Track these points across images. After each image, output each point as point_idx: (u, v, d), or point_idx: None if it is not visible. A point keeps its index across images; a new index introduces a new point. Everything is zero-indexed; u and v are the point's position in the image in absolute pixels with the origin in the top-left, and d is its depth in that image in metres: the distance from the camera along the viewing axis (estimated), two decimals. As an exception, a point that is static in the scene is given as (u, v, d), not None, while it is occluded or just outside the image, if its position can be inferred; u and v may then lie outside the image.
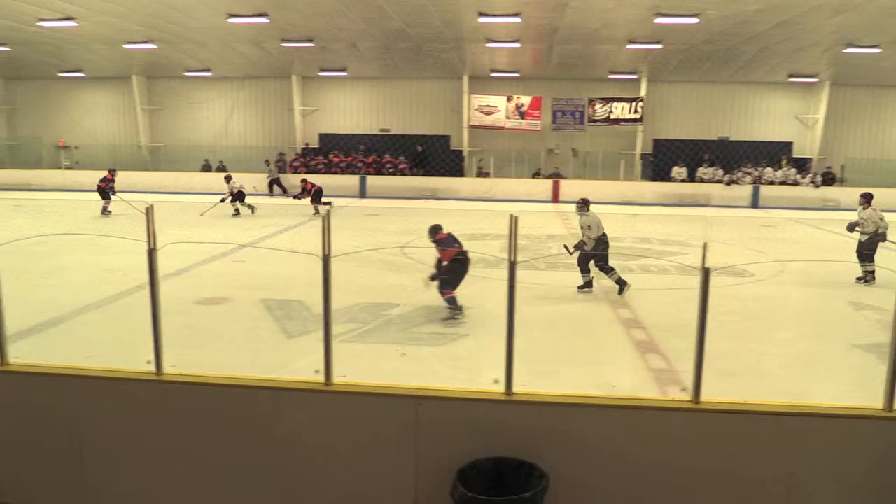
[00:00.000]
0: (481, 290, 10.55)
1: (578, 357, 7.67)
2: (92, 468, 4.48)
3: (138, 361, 4.53)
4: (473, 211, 21.34)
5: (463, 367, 7.26)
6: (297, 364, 6.80)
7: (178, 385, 4.30)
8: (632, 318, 9.26)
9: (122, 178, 20.19)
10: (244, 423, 4.29)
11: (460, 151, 28.06)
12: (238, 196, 19.79)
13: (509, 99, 27.39)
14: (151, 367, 4.36)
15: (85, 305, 9.54)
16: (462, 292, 10.41)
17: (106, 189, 19.46)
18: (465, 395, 4.18)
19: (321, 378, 4.21)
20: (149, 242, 4.20)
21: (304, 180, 21.31)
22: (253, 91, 29.68)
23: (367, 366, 6.82)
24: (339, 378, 4.24)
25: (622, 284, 10.32)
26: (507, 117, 27.50)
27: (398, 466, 4.18)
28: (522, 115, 27.36)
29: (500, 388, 4.13)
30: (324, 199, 19.97)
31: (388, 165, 27.83)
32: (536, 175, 27.53)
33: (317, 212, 19.92)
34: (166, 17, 20.43)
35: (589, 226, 10.50)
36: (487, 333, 8.36)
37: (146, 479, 4.45)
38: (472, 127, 27.73)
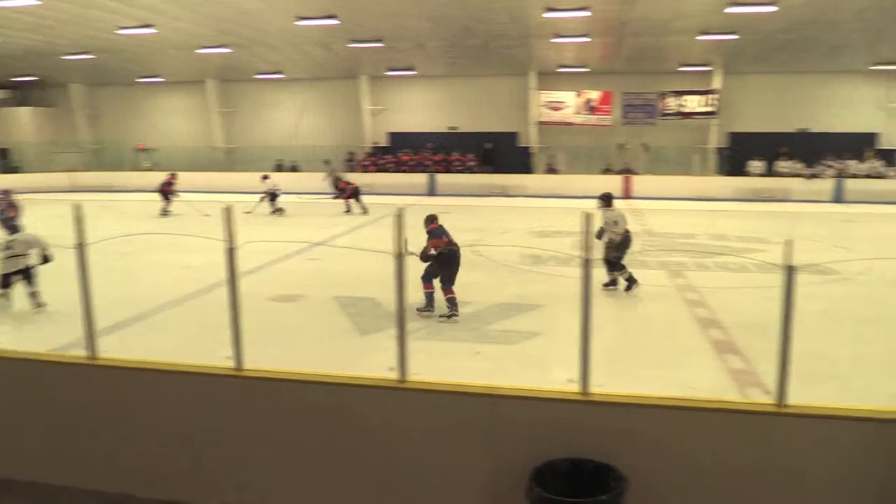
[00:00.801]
0: (553, 287, 10.48)
1: (654, 357, 7.49)
2: (178, 454, 4.63)
3: (217, 357, 4.66)
4: (543, 208, 21.23)
5: (535, 365, 7.19)
6: (370, 361, 6.86)
7: (257, 381, 4.40)
8: (709, 317, 9.00)
9: (200, 179, 20.87)
10: (320, 419, 4.35)
11: (528, 148, 27.87)
12: (271, 196, 20.15)
13: (578, 94, 27.05)
14: (231, 363, 4.47)
15: (166, 302, 9.88)
16: (533, 290, 10.39)
17: (167, 192, 20.32)
18: (541, 394, 4.13)
19: (396, 375, 4.23)
20: (228, 241, 4.30)
21: (338, 178, 21.60)
22: (322, 92, 30.18)
23: (439, 364, 6.83)
24: (413, 376, 4.25)
25: (632, 282, 10.09)
26: (576, 113, 27.17)
27: (473, 465, 4.16)
28: (592, 110, 26.99)
29: (576, 387, 4.06)
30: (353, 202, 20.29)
31: (457, 163, 27.89)
32: (607, 171, 27.04)
33: (348, 210, 20.36)
34: (238, 22, 20.95)
35: (616, 221, 10.24)
36: (559, 332, 8.28)
37: (225, 471, 4.58)
38: (540, 123, 27.50)
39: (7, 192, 14.85)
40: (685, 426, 3.92)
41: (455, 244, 9.09)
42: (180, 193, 20.45)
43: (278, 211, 20.02)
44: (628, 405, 3.97)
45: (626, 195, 25.18)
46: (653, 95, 26.32)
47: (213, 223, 4.35)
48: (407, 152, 28.42)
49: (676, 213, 20.51)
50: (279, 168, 29.12)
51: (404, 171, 27.90)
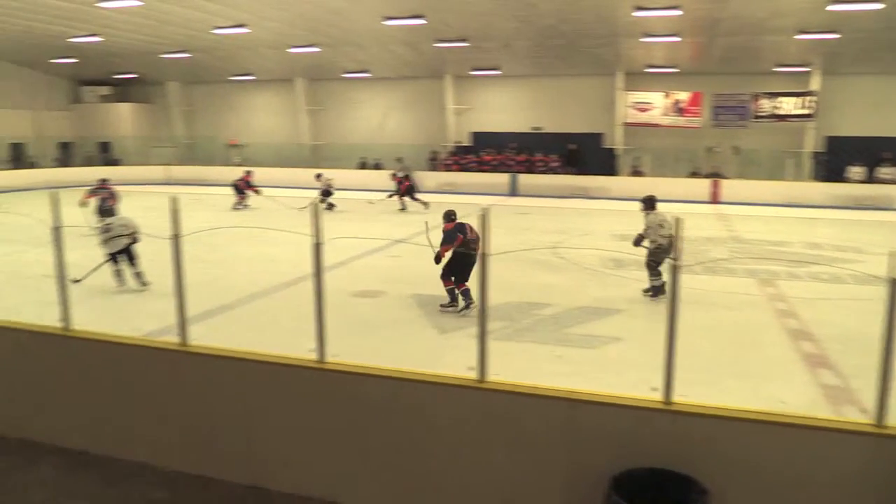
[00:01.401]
0: (635, 292, 10.27)
1: (740, 368, 7.24)
2: (258, 445, 4.79)
3: (300, 349, 4.78)
4: (626, 211, 20.81)
5: (615, 371, 7.07)
6: (447, 359, 6.90)
7: (339, 374, 4.49)
8: (799, 328, 8.64)
9: (286, 174, 21.44)
10: (398, 415, 4.40)
11: (613, 150, 27.39)
12: (324, 193, 20.38)
13: (666, 95, 26.39)
14: (314, 356, 4.57)
15: (251, 294, 10.20)
16: (615, 294, 10.22)
17: (241, 187, 21.00)
18: (622, 401, 4.04)
19: (475, 375, 4.23)
20: (315, 236, 4.40)
21: (394, 174, 21.76)
22: (407, 91, 30.50)
23: (517, 365, 6.80)
24: (492, 376, 4.24)
25: (660, 291, 9.79)
26: (664, 114, 26.51)
27: (550, 469, 4.13)
28: (680, 111, 26.29)
29: (659, 396, 3.97)
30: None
31: (540, 164, 27.69)
32: (694, 174, 26.29)
33: (403, 207, 20.46)
34: (327, 21, 21.43)
35: (661, 224, 9.92)
36: (641, 337, 8.12)
37: (306, 459, 4.70)
38: (626, 124, 26.97)
39: (105, 181, 15.81)
40: (773, 442, 3.77)
41: (473, 242, 8.88)
42: (261, 189, 21.06)
43: (330, 207, 20.25)
44: (713, 417, 3.84)
45: (714, 200, 24.46)
46: (745, 97, 25.40)
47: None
48: (489, 152, 28.41)
49: (767, 219, 19.75)
50: (363, 166, 29.61)
51: (486, 171, 27.90)
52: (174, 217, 4.81)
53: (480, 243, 4.24)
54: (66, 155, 32.46)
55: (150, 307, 9.18)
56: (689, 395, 4.05)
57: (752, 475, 3.79)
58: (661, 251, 9.80)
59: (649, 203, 10.25)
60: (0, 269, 11.41)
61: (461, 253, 8.87)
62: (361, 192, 22.35)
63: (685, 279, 3.93)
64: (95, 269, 10.17)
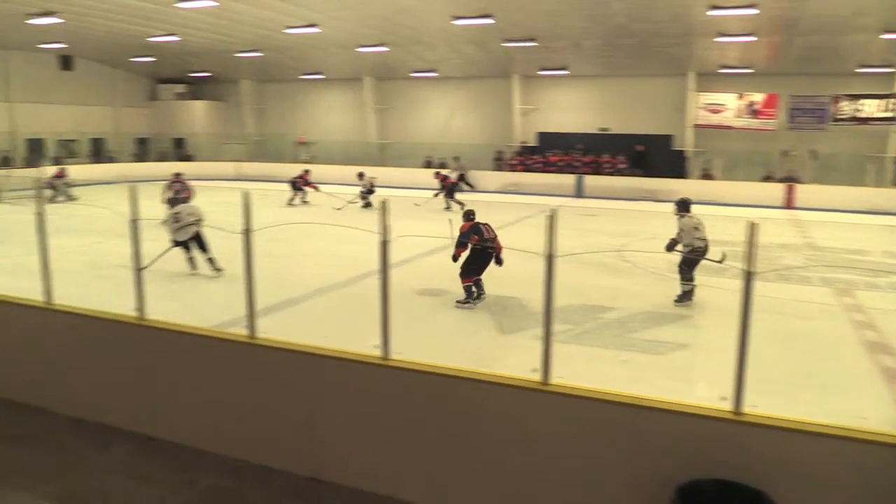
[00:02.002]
0: (703, 298, 10.02)
1: (813, 380, 6.98)
2: (320, 438, 4.86)
3: (363, 345, 4.82)
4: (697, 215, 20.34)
5: (681, 378, 6.91)
6: (509, 360, 6.86)
7: (402, 371, 4.50)
8: (878, 341, 8.27)
9: (353, 172, 21.74)
10: (461, 414, 4.39)
11: (683, 152, 26.78)
12: (367, 191, 20.47)
13: (740, 96, 25.67)
14: (378, 352, 4.60)
15: (317, 289, 10.36)
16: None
17: (298, 184, 21.39)
18: (689, 409, 3.93)
19: (538, 377, 4.19)
20: (383, 234, 4.43)
21: (437, 173, 21.73)
22: (474, 90, 30.50)
23: (581, 368, 6.72)
24: (556, 379, 4.19)
25: (687, 297, 9.52)
26: (737, 116, 25.80)
27: (612, 475, 4.05)
28: (754, 113, 25.53)
29: (728, 405, 3.85)
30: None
31: (607, 165, 27.30)
32: (768, 179, 25.46)
33: (448, 206, 20.24)
34: (397, 21, 21.60)
35: (696, 227, 9.67)
36: (708, 345, 7.92)
37: (366, 454, 4.74)
38: (696, 126, 26.34)
39: (179, 175, 16.46)
40: (850, 458, 3.61)
41: (489, 241, 9.28)
42: (319, 186, 21.42)
43: (368, 206, 20.30)
44: (786, 429, 3.70)
45: (789, 205, 23.66)
46: (824, 99, 24.48)
47: (368, 215, 4.49)
48: (555, 152, 28.17)
49: (845, 226, 19.00)
50: (428, 164, 29.75)
51: (552, 172, 27.67)
52: (246, 212, 4.91)
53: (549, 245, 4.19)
54: (142, 150, 33.70)
55: (219, 299, 9.42)
56: (760, 406, 3.91)
57: (825, 492, 3.65)
58: (696, 255, 9.58)
59: (683, 205, 10.03)
60: (79, 259, 11.88)
61: (478, 250, 9.25)
62: (425, 190, 22.42)
63: (757, 286, 3.80)
64: (160, 257, 10.52)
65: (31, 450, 5.35)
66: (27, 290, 6.34)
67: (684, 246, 9.74)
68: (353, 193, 20.59)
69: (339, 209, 19.24)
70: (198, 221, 11.05)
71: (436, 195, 21.14)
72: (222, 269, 10.86)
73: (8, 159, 26.41)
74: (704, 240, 9.68)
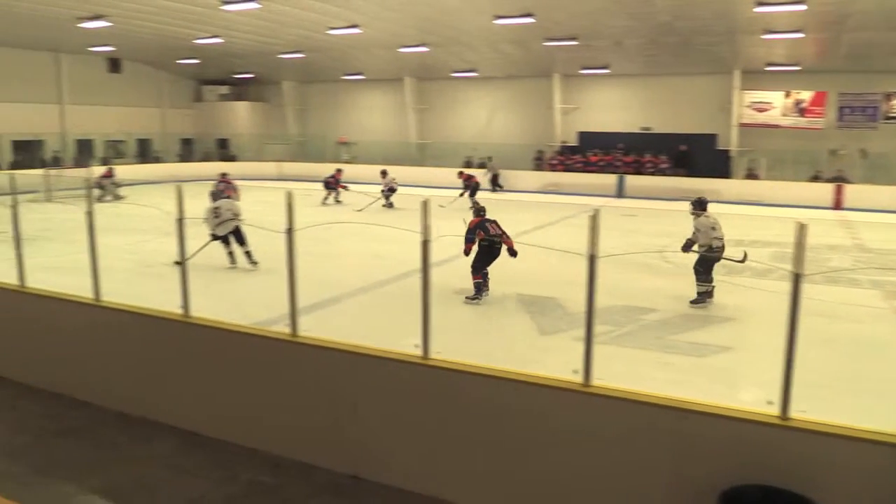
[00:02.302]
0: (748, 300, 9.83)
1: (864, 385, 6.78)
2: (360, 436, 4.88)
3: (401, 344, 4.83)
4: (740, 215, 20.00)
5: (724, 381, 6.78)
6: (548, 361, 6.81)
7: (443, 371, 4.50)
8: (934, 346, 8.01)
9: (393, 172, 21.85)
10: (500, 414, 4.37)
11: (727, 151, 26.29)
12: (389, 190, 20.47)
13: (787, 94, 25.11)
14: (418, 351, 4.61)
15: (357, 288, 10.42)
16: (726, 302, 9.81)
17: (330, 184, 21.67)
18: (733, 413, 3.85)
19: (579, 378, 4.15)
20: (424, 234, 4.42)
21: (460, 173, 21.67)
22: (514, 90, 30.40)
23: (621, 370, 6.63)
24: (597, 380, 4.14)
25: (704, 298, 9.33)
26: (784, 115, 25.25)
27: (654, 479, 3.99)
28: (801, 112, 24.95)
29: (775, 409, 3.76)
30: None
31: (648, 165, 26.96)
32: (815, 178, 24.86)
33: (473, 205, 19.97)
34: (438, 21, 21.63)
35: (713, 226, 9.44)
36: (753, 348, 7.77)
37: (406, 453, 4.75)
38: (741, 125, 25.84)
39: (225, 175, 16.86)
40: (903, 466, 3.50)
41: (497, 237, 9.61)
42: (349, 186, 21.58)
43: (390, 206, 20.34)
44: (836, 436, 3.60)
45: (837, 206, 23.08)
46: (876, 96, 23.80)
47: (403, 215, 4.49)
48: (596, 152, 27.92)
49: (896, 227, 18.47)
50: (468, 164, 29.73)
51: (592, 172, 27.43)
52: (289, 211, 4.97)
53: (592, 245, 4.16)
54: (187, 150, 34.33)
55: (261, 297, 9.52)
56: (808, 411, 3.81)
57: (875, 501, 3.53)
58: (713, 255, 9.39)
59: (699, 205, 9.84)
60: (126, 258, 12.14)
61: (485, 246, 9.61)
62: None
63: (804, 289, 3.70)
64: (199, 251, 10.69)
65: (78, 443, 5.48)
66: (76, 287, 6.50)
67: (700, 246, 9.59)
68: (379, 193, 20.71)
69: (359, 210, 19.30)
70: (236, 216, 11.46)
71: (461, 195, 21.07)
72: (258, 263, 11.36)
73: (58, 159, 27.15)
74: (721, 239, 9.52)
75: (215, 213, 11.38)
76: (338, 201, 21.66)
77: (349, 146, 33.09)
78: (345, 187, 21.60)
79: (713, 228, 9.52)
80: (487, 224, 9.79)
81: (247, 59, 29.74)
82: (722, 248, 9.51)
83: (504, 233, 9.85)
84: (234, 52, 28.13)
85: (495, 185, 26.94)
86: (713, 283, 9.57)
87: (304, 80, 34.18)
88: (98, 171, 23.03)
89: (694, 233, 9.70)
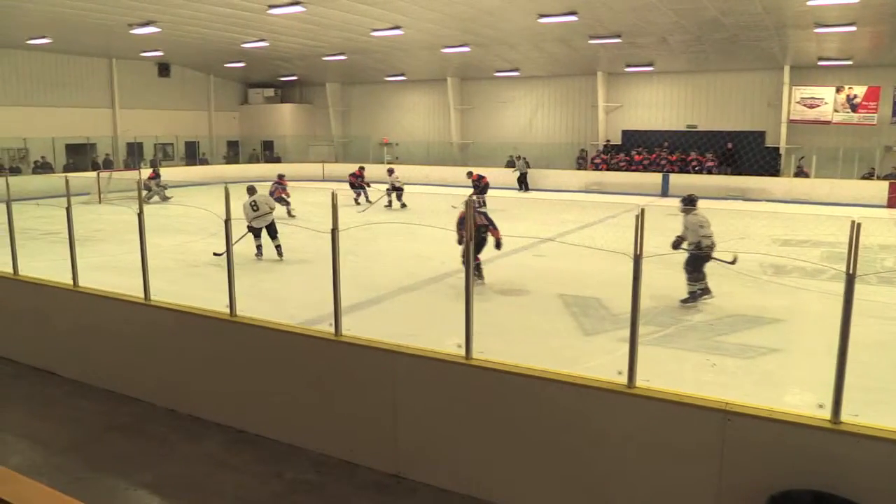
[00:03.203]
0: (796, 301, 9.62)
1: (919, 388, 6.57)
2: (403, 435, 4.91)
3: (445, 343, 4.84)
4: (789, 214, 19.58)
5: (771, 384, 6.64)
6: (592, 362, 6.75)
7: (486, 371, 4.50)
8: None
9: (435, 172, 21.88)
10: (544, 414, 4.36)
11: (777, 148, 25.71)
12: (397, 190, 20.17)
13: (839, 90, 24.44)
14: (461, 351, 4.61)
15: (399, 288, 10.47)
16: (774, 303, 9.61)
17: (354, 183, 21.43)
18: (782, 416, 3.77)
19: (624, 380, 4.10)
20: (468, 233, 4.43)
21: (469, 173, 21.37)
22: (557, 89, 30.19)
23: (666, 372, 6.53)
24: (641, 382, 4.09)
25: (696, 297, 9.09)
26: (836, 110, 24.57)
27: (699, 482, 3.93)
28: (854, 107, 24.27)
29: (826, 413, 3.67)
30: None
31: (694, 163, 26.52)
32: (868, 176, 24.16)
33: (482, 204, 19.73)
34: (481, 22, 21.59)
35: (701, 224, 9.21)
36: (801, 350, 7.59)
37: (448, 453, 4.77)
38: (791, 122, 25.22)
39: (282, 177, 18.10)
40: (962, 473, 3.38)
41: (483, 227, 10.06)
42: (372, 185, 21.27)
43: (389, 205, 20.19)
44: (890, 441, 3.49)
45: (892, 204, 22.39)
46: (932, 91, 23.06)
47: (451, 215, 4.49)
48: (640, 151, 27.57)
49: (956, 226, 17.84)
50: (510, 164, 29.64)
51: (636, 171, 27.10)
52: (334, 212, 5.02)
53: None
54: (233, 152, 34.90)
55: (304, 296, 9.62)
56: (860, 415, 3.71)
57: (932, 509, 3.43)
58: (701, 253, 9.16)
59: (688, 202, 9.62)
60: (174, 258, 12.40)
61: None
62: (506, 190, 22.36)
63: (857, 289, 3.60)
64: (237, 242, 10.92)
65: (129, 439, 5.62)
66: (126, 286, 6.67)
67: (689, 244, 9.37)
68: (445, 195, 20.63)
69: (362, 212, 19.00)
70: (272, 210, 12.28)
71: (472, 195, 20.70)
72: (283, 256, 12.22)
73: (110, 162, 27.87)
74: (710, 237, 9.29)
75: (253, 206, 12.09)
76: (368, 201, 20.85)
77: (392, 147, 33.27)
78: (368, 185, 21.23)
79: (701, 227, 9.32)
80: (476, 215, 10.09)
81: (291, 62, 30.13)
82: (711, 247, 9.28)
83: (492, 224, 10.32)
84: (279, 55, 28.51)
85: (522, 184, 26.90)
86: (705, 282, 9.37)
87: (347, 82, 34.48)
88: (146, 173, 23.55)
89: (683, 230, 9.51)
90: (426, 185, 27.30)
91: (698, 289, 9.40)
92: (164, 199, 22.42)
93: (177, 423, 5.84)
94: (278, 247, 12.26)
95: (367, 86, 34.06)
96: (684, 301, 9.36)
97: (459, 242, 9.95)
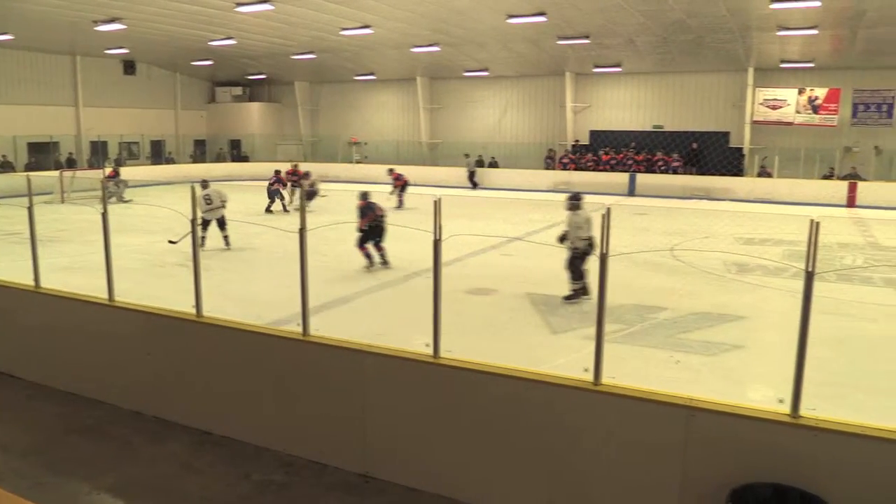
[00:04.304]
0: (759, 299, 9.80)
1: (875, 383, 6.74)
2: (371, 435, 4.91)
3: (411, 343, 4.85)
4: (751, 213, 19.92)
5: (735, 380, 6.76)
6: (559, 360, 6.82)
7: (454, 369, 4.52)
8: (947, 343, 7.95)
9: (405, 172, 21.84)
10: (511, 413, 4.39)
11: (740, 149, 26.14)
12: (309, 194, 19.19)
13: (801, 91, 24.93)
14: (429, 350, 4.62)
15: (368, 287, 10.46)
16: (737, 300, 9.77)
17: (286, 181, 20.59)
18: (743, 411, 3.85)
19: (590, 377, 4.15)
20: (435, 233, 4.43)
21: (390, 170, 21.49)
22: (526, 89, 30.35)
23: (631, 369, 6.62)
24: (608, 379, 4.15)
25: (578, 294, 9.21)
26: (797, 112, 25.06)
27: (664, 476, 3.99)
28: (815, 109, 24.77)
29: (785, 408, 3.75)
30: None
31: (660, 163, 26.85)
32: (828, 176, 24.67)
33: (400, 205, 20.00)
34: (451, 21, 21.63)
35: (580, 226, 9.25)
36: (764, 347, 7.74)
37: (416, 452, 4.78)
38: (755, 123, 25.67)
39: (278, 172, 19.69)
40: (915, 465, 3.48)
41: (380, 217, 11.65)
42: (288, 184, 20.64)
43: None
44: (847, 434, 3.59)
45: (851, 203, 22.90)
46: (890, 93, 23.58)
47: (417, 215, 4.51)
48: (607, 151, 27.84)
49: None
50: (479, 164, 29.74)
51: (603, 171, 27.37)
52: (302, 211, 5.00)
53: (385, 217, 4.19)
54: (200, 151, 34.50)
55: (272, 296, 9.57)
56: (819, 409, 3.81)
57: (889, 501, 3.52)
58: (577, 254, 9.26)
59: (573, 201, 9.60)
60: (138, 258, 12.23)
61: (373, 224, 11.58)
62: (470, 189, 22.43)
63: (816, 287, 3.69)
64: (187, 235, 10.94)
65: (91, 441, 5.54)
66: (90, 287, 6.57)
67: (569, 243, 9.44)
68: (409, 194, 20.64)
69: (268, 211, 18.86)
70: (224, 204, 13.07)
71: (391, 193, 20.42)
72: (230, 246, 13.05)
73: (73, 161, 27.35)
74: (584, 240, 9.28)
75: (207, 199, 12.89)
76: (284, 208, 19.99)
77: (360, 146, 33.17)
78: (285, 185, 20.39)
79: (579, 227, 9.33)
80: (374, 205, 11.77)
81: (259, 61, 29.87)
82: (585, 248, 9.24)
83: (384, 213, 11.86)
84: (247, 54, 28.25)
85: (472, 181, 27.27)
86: (582, 282, 9.37)
87: (316, 81, 34.29)
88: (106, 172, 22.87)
89: (566, 230, 9.58)
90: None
91: (573, 289, 9.42)
92: (123, 200, 21.54)
93: (141, 425, 5.76)
94: (226, 237, 13.10)
95: (337, 85, 33.92)
96: (566, 298, 9.41)
97: (359, 230, 11.56)
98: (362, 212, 11.64)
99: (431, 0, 19.05)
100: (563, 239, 9.58)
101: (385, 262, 11.68)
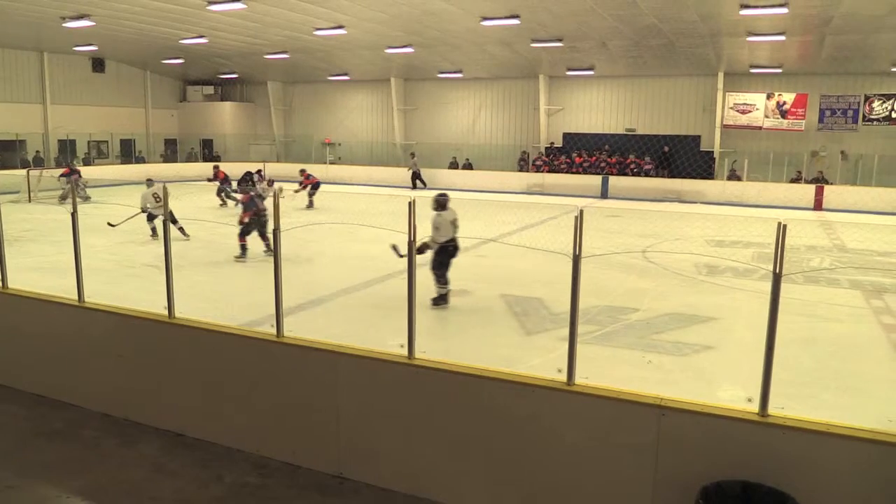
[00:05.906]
0: (729, 300, 9.94)
1: (841, 382, 6.88)
2: (346, 436, 4.91)
3: (386, 344, 4.85)
4: (722, 216, 20.17)
5: (705, 380, 6.85)
6: (533, 361, 6.85)
7: (428, 370, 4.53)
8: (910, 344, 8.13)
9: (378, 173, 21.82)
10: (485, 413, 4.41)
11: (711, 152, 26.51)
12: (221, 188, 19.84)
13: (769, 96, 25.37)
14: (403, 351, 4.63)
15: (342, 289, 10.42)
16: (707, 301, 9.90)
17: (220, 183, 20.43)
18: (714, 410, 3.92)
19: (563, 377, 4.19)
20: (410, 234, 4.45)
21: (302, 171, 21.39)
22: (500, 91, 30.48)
23: (604, 369, 6.68)
24: (581, 379, 4.19)
25: (442, 300, 9.13)
26: (766, 116, 25.49)
27: (636, 475, 4.05)
28: (784, 113, 25.20)
29: (754, 406, 3.82)
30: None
31: (633, 166, 27.13)
32: (796, 180, 25.12)
33: (310, 205, 20.09)
34: (425, 23, 21.65)
35: (437, 227, 9.06)
36: (734, 347, 7.86)
37: (391, 452, 4.78)
38: (725, 127, 26.07)
39: (260, 171, 20.20)
40: (877, 461, 3.57)
41: (262, 211, 12.11)
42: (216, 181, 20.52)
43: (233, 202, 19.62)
44: (814, 432, 3.67)
45: (818, 206, 23.32)
46: (856, 98, 24.11)
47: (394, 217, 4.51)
48: (581, 153, 28.05)
49: (875, 228, 18.64)
50: (453, 165, 29.79)
51: (577, 173, 27.57)
52: (276, 212, 4.99)
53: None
54: (170, 151, 34.12)
55: (245, 297, 9.49)
56: (786, 408, 3.88)
57: (853, 496, 3.62)
58: (438, 254, 9.13)
59: (439, 199, 9.31)
60: (109, 258, 12.07)
61: (254, 217, 12.11)
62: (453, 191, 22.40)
63: (785, 288, 3.77)
64: (129, 219, 13.19)
65: (61, 445, 5.46)
66: (59, 288, 6.47)
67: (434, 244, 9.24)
68: (384, 194, 20.59)
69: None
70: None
71: (296, 192, 20.19)
72: (189, 236, 13.66)
73: (40, 159, 26.88)
74: (438, 242, 9.10)
75: (156, 197, 13.72)
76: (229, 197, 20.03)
77: (334, 147, 33.04)
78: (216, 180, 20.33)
79: (436, 229, 9.12)
80: (257, 200, 12.30)
81: (232, 60, 29.64)
82: (442, 251, 9.14)
83: (266, 209, 12.19)
84: (220, 53, 28.02)
85: (416, 180, 27.55)
86: (447, 287, 9.27)
87: (289, 81, 34.11)
88: (60, 170, 21.88)
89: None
90: (369, 186, 27.21)
91: (439, 293, 9.26)
92: (80, 197, 20.89)
93: (111, 428, 5.69)
94: (181, 228, 13.43)
95: (310, 85, 33.78)
96: (434, 303, 9.21)
97: (240, 223, 12.21)
98: (245, 206, 12.32)
99: (405, 1, 19.05)
100: (421, 250, 8.72)
101: (270, 250, 11.55)
